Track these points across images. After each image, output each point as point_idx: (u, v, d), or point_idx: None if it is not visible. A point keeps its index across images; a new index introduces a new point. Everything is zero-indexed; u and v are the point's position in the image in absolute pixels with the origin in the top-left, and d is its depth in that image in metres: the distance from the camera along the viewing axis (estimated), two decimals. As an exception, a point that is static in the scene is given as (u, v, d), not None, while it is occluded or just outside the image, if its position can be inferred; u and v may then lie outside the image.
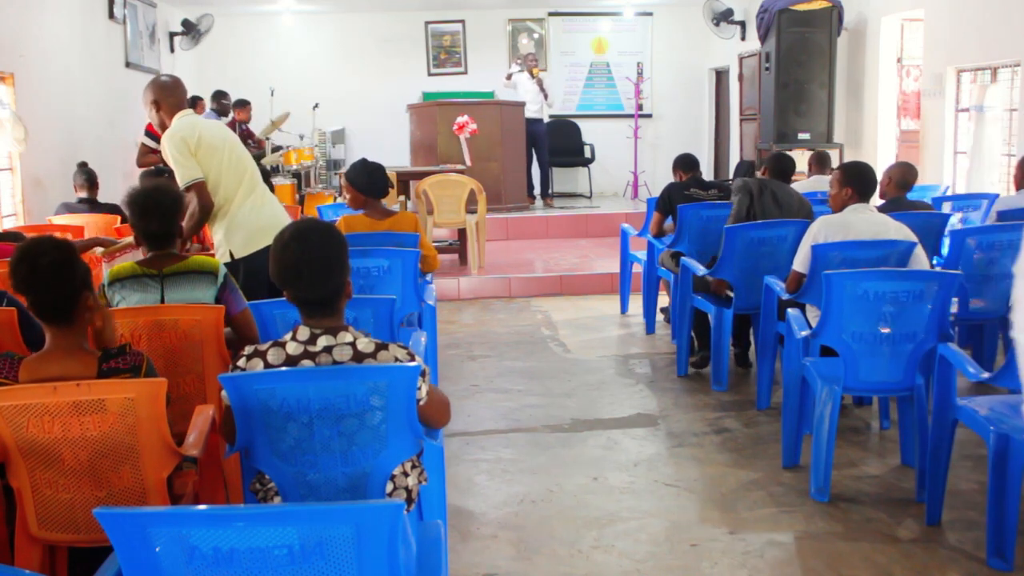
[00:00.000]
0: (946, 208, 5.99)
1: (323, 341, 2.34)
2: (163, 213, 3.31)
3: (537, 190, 11.61)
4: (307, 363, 2.33)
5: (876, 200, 5.60)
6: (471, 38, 13.39)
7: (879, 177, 5.41)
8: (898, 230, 4.24)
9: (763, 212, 5.25)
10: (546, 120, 11.72)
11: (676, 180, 6.20)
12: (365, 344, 2.35)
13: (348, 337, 2.36)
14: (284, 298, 2.42)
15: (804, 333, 3.96)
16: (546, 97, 11.13)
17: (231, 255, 4.20)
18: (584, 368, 5.76)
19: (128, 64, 10.12)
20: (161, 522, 1.72)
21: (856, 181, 4.35)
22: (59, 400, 2.40)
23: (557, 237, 10.27)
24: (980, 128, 7.50)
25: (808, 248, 4.25)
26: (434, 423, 2.49)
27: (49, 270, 2.37)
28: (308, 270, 2.33)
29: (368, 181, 5.02)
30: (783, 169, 5.50)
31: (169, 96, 4.20)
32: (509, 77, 11.39)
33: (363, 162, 5.13)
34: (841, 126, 9.55)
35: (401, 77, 12.77)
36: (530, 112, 11.09)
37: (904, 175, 5.41)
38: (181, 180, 4.08)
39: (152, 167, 7.42)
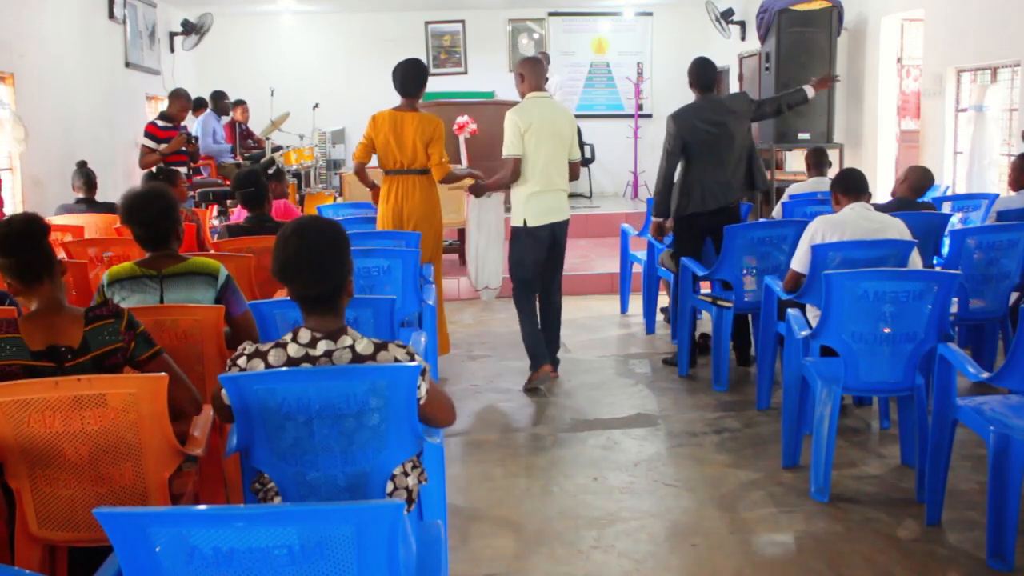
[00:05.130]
0: (946, 208, 5.98)
1: (323, 346, 2.34)
2: (145, 217, 3.31)
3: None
4: (307, 367, 2.33)
5: (887, 198, 5.63)
6: (471, 38, 13.39)
7: (897, 176, 5.49)
8: (897, 229, 4.25)
9: (703, 142, 5.37)
10: None
11: None
12: (364, 346, 2.35)
13: (348, 341, 2.35)
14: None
15: (804, 333, 3.96)
16: None
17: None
18: (584, 368, 5.76)
19: (128, 64, 10.11)
20: (161, 522, 1.72)
21: (838, 186, 4.44)
22: (60, 395, 2.41)
23: (557, 237, 10.25)
24: (980, 128, 7.50)
25: (806, 248, 4.26)
26: (437, 422, 2.48)
27: (20, 229, 2.55)
28: (308, 265, 2.32)
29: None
30: (707, 79, 5.49)
31: (534, 75, 5.16)
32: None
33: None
34: (841, 126, 9.54)
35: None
36: None
37: (920, 179, 5.44)
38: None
39: (153, 168, 7.44)
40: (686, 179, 5.47)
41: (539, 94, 5.17)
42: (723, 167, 5.42)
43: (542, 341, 5.31)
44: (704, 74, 5.50)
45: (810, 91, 5.87)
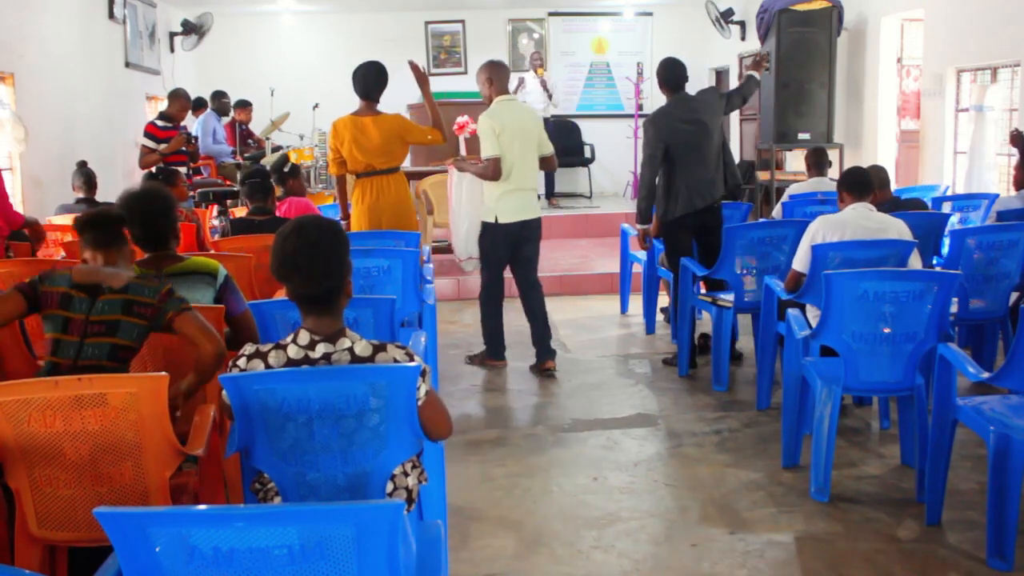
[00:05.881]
0: (946, 208, 5.99)
1: (322, 348, 2.33)
2: (144, 217, 3.32)
3: (542, 190, 11.58)
4: (307, 368, 2.33)
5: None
6: (471, 38, 13.38)
7: (892, 178, 5.45)
8: (898, 230, 4.25)
9: (683, 143, 5.38)
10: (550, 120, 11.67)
11: None
12: (363, 348, 2.34)
13: (346, 343, 2.35)
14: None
15: (804, 333, 3.96)
16: (550, 97, 11.11)
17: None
18: (584, 368, 5.76)
19: (128, 64, 10.10)
20: (161, 522, 1.72)
21: (845, 184, 4.43)
22: (60, 394, 2.41)
23: (557, 237, 10.26)
24: (980, 128, 7.50)
25: (807, 247, 4.26)
26: (432, 432, 2.42)
27: (105, 215, 3.08)
28: (307, 264, 2.32)
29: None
30: (677, 79, 5.51)
31: (501, 78, 5.44)
32: (517, 88, 11.29)
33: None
34: (841, 126, 9.54)
35: (401, 77, 12.66)
36: None
37: (876, 175, 5.39)
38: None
39: (153, 168, 7.44)
40: (671, 182, 5.46)
41: (506, 97, 5.47)
42: (706, 164, 5.43)
43: (503, 337, 5.74)
44: (673, 74, 5.53)
45: (755, 74, 5.99)
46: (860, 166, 4.63)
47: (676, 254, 5.54)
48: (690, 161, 5.40)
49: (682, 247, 5.53)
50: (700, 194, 5.42)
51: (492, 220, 5.49)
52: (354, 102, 5.64)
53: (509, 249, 5.56)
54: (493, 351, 5.75)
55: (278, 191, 6.59)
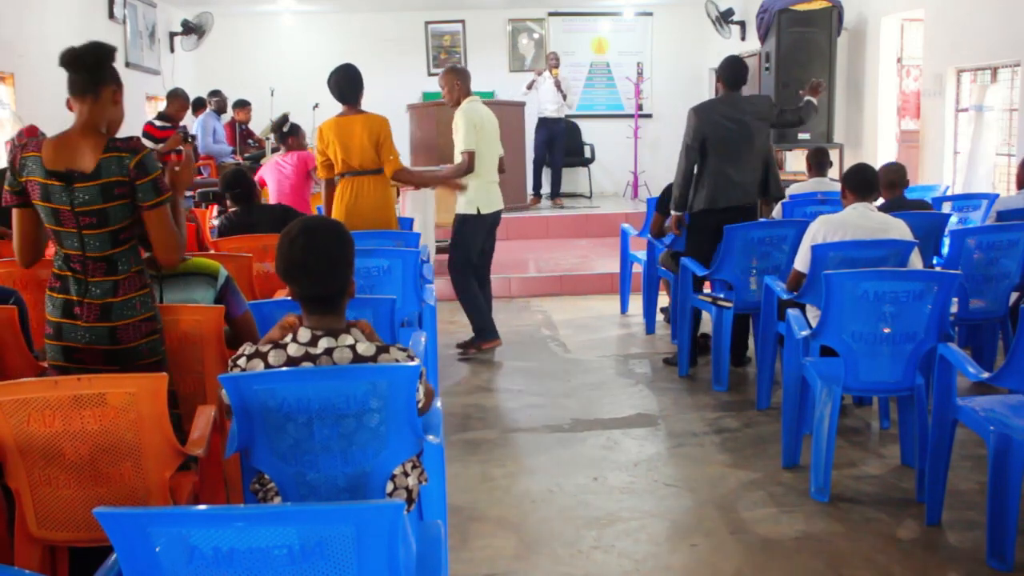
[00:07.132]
0: (946, 208, 5.98)
1: (324, 343, 2.34)
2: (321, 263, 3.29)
3: (546, 189, 11.60)
4: (307, 365, 2.33)
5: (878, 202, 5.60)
6: (471, 38, 13.39)
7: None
8: (899, 230, 4.25)
9: (721, 138, 5.35)
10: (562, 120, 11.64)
11: None
12: (366, 348, 2.35)
13: (349, 340, 2.35)
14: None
15: (804, 333, 3.96)
16: (565, 97, 11.15)
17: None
18: (584, 368, 5.76)
19: (128, 64, 10.11)
20: (161, 522, 1.72)
21: (849, 182, 4.39)
22: (60, 394, 2.41)
23: (557, 237, 10.27)
24: (980, 128, 7.50)
25: (808, 248, 4.26)
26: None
27: (88, 49, 2.91)
28: (315, 266, 2.33)
29: None
30: (735, 77, 5.49)
31: (467, 81, 5.85)
32: (530, 86, 11.33)
33: None
34: (841, 126, 9.54)
35: (401, 77, 12.73)
36: (549, 112, 11.13)
37: (889, 174, 5.36)
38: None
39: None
40: (699, 174, 5.43)
41: (473, 98, 5.83)
42: (738, 166, 5.37)
43: (491, 318, 6.00)
44: (733, 72, 5.48)
45: (813, 100, 5.84)
46: (868, 165, 4.57)
47: (691, 251, 5.49)
48: (723, 159, 5.35)
49: (698, 245, 5.45)
50: (725, 193, 5.35)
51: (474, 212, 5.78)
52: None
53: (484, 239, 5.92)
54: (485, 333, 5.94)
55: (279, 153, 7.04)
